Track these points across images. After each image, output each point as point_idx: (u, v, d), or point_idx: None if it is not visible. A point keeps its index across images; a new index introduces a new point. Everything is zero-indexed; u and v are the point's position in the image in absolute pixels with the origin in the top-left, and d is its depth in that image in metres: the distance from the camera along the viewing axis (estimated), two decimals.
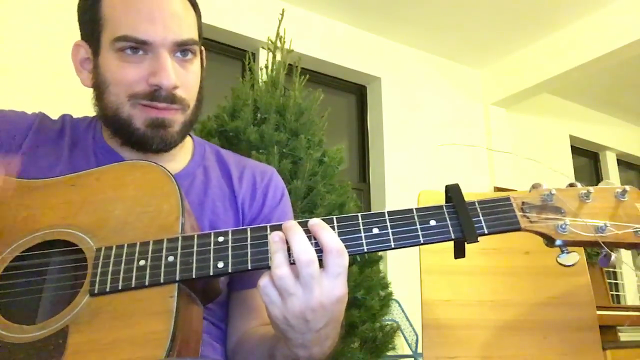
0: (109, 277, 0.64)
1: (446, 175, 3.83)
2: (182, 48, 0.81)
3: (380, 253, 2.33)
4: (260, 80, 2.42)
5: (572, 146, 5.23)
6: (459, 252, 0.69)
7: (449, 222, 0.67)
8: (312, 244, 0.62)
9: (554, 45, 4.13)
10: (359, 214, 0.67)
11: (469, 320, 1.10)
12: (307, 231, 0.64)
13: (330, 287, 0.62)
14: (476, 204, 0.68)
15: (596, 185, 0.71)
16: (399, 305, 3.12)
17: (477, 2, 3.73)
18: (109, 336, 0.61)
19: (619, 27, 3.72)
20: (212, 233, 0.67)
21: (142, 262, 0.65)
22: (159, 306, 0.62)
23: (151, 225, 0.68)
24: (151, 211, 0.70)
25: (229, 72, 3.44)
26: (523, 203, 0.68)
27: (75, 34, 0.86)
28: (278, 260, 0.62)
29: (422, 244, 0.67)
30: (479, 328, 1.10)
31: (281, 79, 2.39)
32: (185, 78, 0.82)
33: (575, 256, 0.66)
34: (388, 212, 0.67)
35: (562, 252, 0.67)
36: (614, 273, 4.98)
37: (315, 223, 0.64)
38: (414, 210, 0.68)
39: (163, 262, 0.65)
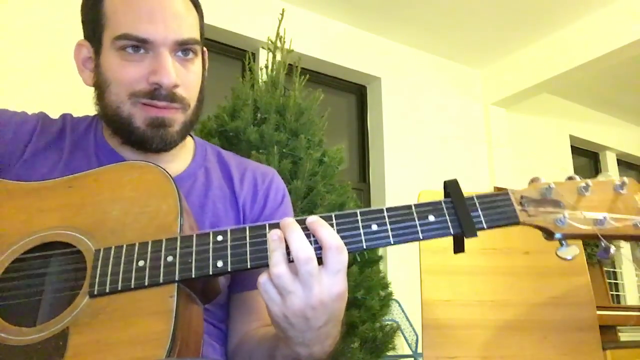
0: (108, 278, 0.64)
1: (446, 175, 3.80)
2: (183, 47, 0.81)
3: (380, 253, 2.33)
4: (260, 80, 2.42)
5: (572, 146, 5.23)
6: (459, 247, 0.69)
7: (447, 217, 0.67)
8: (311, 241, 0.62)
9: (554, 45, 4.13)
10: (358, 211, 0.67)
11: (469, 320, 1.10)
12: (306, 229, 0.63)
13: (330, 284, 0.62)
14: (475, 198, 0.68)
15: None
16: (399, 305, 3.12)
17: (477, 2, 3.73)
18: (109, 337, 0.61)
19: (619, 27, 3.71)
20: (211, 232, 0.67)
21: (141, 263, 0.65)
22: (158, 306, 0.62)
23: (150, 226, 0.68)
24: (149, 211, 0.69)
25: (229, 72, 3.44)
26: (522, 197, 0.68)
27: (76, 35, 0.87)
28: (275, 258, 0.62)
29: (421, 240, 0.66)
30: (479, 328, 1.10)
31: (281, 79, 2.39)
32: (185, 77, 0.82)
33: (575, 249, 0.66)
34: (387, 208, 0.67)
35: (562, 245, 0.67)
36: (614, 273, 4.98)
37: (314, 220, 0.64)
38: (413, 206, 0.67)
39: (162, 262, 0.64)
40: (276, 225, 0.65)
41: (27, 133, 0.85)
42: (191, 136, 0.94)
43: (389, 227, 0.66)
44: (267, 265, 0.63)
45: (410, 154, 4.10)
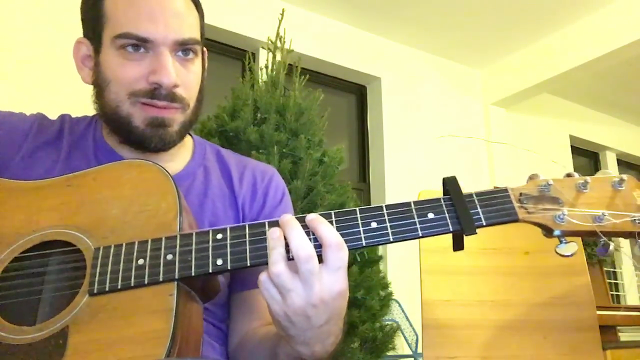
0: (108, 276, 0.64)
1: (446, 175, 3.82)
2: (183, 47, 0.81)
3: (380, 253, 2.33)
4: (260, 80, 2.42)
5: (572, 146, 5.23)
6: (458, 245, 0.69)
7: (447, 214, 0.67)
8: (311, 239, 0.62)
9: (554, 45, 4.13)
10: (357, 208, 0.66)
11: (469, 320, 1.10)
12: (305, 226, 0.63)
13: (331, 281, 0.61)
14: (474, 196, 0.68)
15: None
16: (399, 305, 3.12)
17: (477, 2, 3.73)
18: (109, 336, 0.61)
19: (619, 27, 3.71)
20: (211, 230, 0.67)
21: (140, 261, 0.64)
22: (158, 305, 0.62)
23: (149, 224, 0.68)
24: (149, 210, 0.69)
25: (229, 72, 3.44)
26: (520, 194, 0.68)
27: (75, 34, 0.86)
28: (275, 257, 0.61)
29: (420, 237, 0.66)
30: (479, 328, 1.10)
31: (281, 79, 2.39)
32: (185, 77, 0.82)
33: (574, 246, 0.66)
34: (386, 205, 0.67)
35: (561, 242, 0.67)
36: (614, 273, 4.97)
37: (313, 218, 0.64)
38: (412, 204, 0.67)
39: (162, 260, 0.64)
40: (276, 223, 0.65)
41: (22, 133, 0.85)
42: (190, 135, 0.94)
43: (388, 224, 0.66)
44: (267, 264, 0.63)
45: (410, 154, 4.10)
